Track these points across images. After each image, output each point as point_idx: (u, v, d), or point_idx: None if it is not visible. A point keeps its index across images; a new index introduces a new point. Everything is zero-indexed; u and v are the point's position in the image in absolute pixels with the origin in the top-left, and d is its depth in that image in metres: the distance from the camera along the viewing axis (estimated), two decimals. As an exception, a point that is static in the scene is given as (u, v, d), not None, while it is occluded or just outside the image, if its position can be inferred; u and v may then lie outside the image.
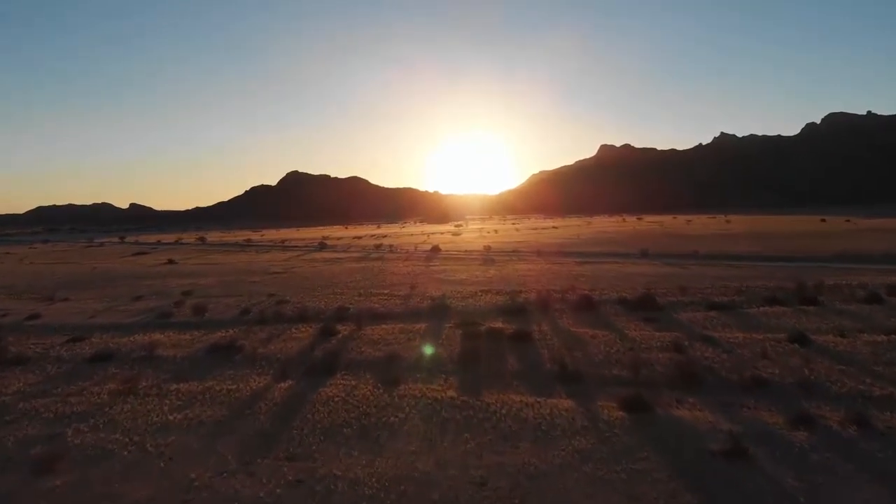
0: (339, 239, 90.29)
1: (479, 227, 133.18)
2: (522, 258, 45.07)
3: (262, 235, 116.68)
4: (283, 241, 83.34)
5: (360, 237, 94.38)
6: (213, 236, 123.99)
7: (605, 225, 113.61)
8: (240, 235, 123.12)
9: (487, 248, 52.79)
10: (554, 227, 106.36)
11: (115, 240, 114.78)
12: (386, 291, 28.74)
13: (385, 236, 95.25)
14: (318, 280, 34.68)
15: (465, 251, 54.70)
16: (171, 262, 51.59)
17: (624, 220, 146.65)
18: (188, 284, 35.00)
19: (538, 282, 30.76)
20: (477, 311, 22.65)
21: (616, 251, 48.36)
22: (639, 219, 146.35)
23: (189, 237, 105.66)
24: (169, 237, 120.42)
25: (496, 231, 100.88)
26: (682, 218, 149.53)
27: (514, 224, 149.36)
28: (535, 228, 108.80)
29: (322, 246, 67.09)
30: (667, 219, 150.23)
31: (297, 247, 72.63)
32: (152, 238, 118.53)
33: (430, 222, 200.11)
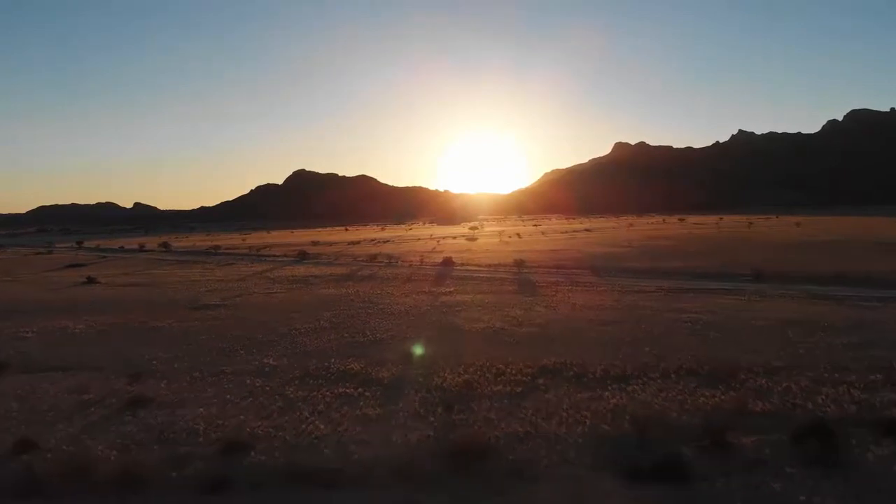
0: (330, 245, 76.31)
1: (497, 229, 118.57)
2: (575, 280, 31.13)
3: (243, 240, 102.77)
4: (260, 249, 69.40)
5: (356, 242, 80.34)
6: (192, 240, 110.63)
7: (647, 228, 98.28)
8: (224, 239, 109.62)
9: (519, 263, 38.84)
10: (587, 231, 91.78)
11: (73, 245, 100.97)
12: (358, 367, 14.93)
13: (387, 241, 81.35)
14: (257, 329, 21.00)
15: (489, 265, 40.82)
16: (90, 280, 38.20)
17: (664, 221, 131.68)
18: (51, 331, 21.63)
19: (636, 343, 16.90)
20: (562, 476, 9.00)
21: (702, 269, 34.33)
22: (680, 220, 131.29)
23: (153, 242, 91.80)
24: (149, 241, 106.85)
25: (518, 235, 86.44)
26: (730, 219, 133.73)
27: (535, 226, 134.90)
28: (565, 232, 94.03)
29: (302, 257, 53.33)
30: (709, 219, 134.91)
31: (273, 257, 58.93)
32: (125, 242, 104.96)
33: (440, 223, 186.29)
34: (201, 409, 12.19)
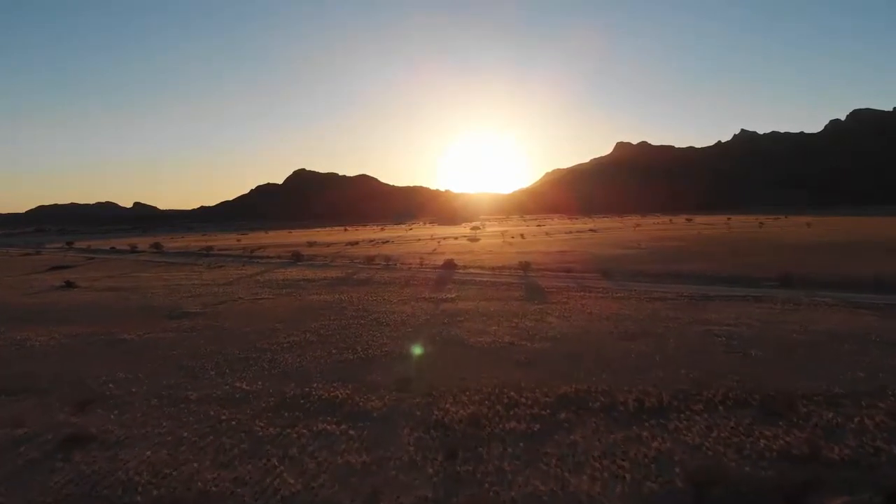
0: (328, 245, 74.02)
1: (500, 229, 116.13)
2: (586, 285, 28.86)
3: (238, 240, 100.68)
4: (254, 251, 66.97)
5: (355, 243, 78.00)
6: (186, 241, 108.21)
7: (654, 228, 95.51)
8: (219, 240, 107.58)
9: (525, 266, 36.60)
10: (592, 231, 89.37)
11: (63, 245, 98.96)
12: (344, 393, 12.70)
13: (386, 242, 79.05)
14: (235, 343, 18.79)
15: (492, 268, 38.54)
16: (68, 284, 35.94)
17: (671, 221, 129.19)
18: (8, 344, 19.50)
19: (668, 363, 14.68)
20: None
21: (721, 272, 32.03)
22: (688, 220, 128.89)
23: (146, 243, 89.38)
24: (143, 242, 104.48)
25: (522, 235, 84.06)
26: (738, 219, 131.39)
27: (539, 226, 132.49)
28: (570, 232, 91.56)
29: (296, 259, 51.09)
30: (717, 219, 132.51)
31: (267, 258, 56.64)
32: (119, 243, 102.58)
33: (441, 223, 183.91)
34: (149, 453, 9.96)
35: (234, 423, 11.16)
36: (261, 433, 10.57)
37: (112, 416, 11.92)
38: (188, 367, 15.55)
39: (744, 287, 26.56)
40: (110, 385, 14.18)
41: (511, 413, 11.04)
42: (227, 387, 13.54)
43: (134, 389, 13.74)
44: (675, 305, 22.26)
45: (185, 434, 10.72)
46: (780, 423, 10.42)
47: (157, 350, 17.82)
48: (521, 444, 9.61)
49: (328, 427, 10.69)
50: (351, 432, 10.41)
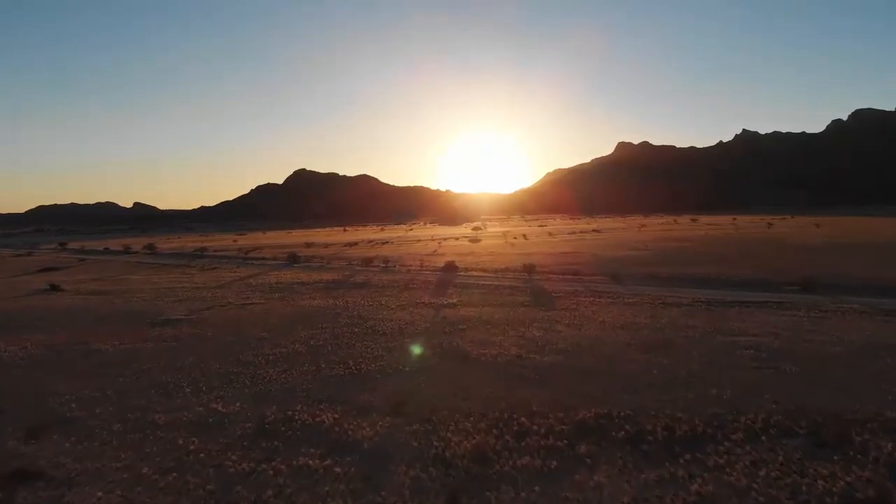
0: (326, 246, 72.54)
1: (501, 230, 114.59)
2: (595, 290, 27.39)
3: (235, 241, 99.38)
4: (249, 252, 65.37)
5: (353, 244, 76.51)
6: (182, 241, 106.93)
7: (659, 229, 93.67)
8: (216, 240, 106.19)
9: (529, 268, 35.09)
10: (596, 232, 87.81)
11: (57, 246, 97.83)
12: (331, 417, 11.29)
13: (386, 243, 77.56)
14: (217, 355, 17.34)
15: (495, 270, 37.07)
16: (53, 287, 34.48)
17: (675, 221, 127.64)
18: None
19: (695, 380, 13.28)
20: None
21: (736, 276, 30.50)
22: (693, 220, 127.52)
23: (141, 243, 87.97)
24: (137, 242, 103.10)
25: (524, 236, 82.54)
26: (744, 219, 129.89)
27: (541, 226, 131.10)
28: (573, 233, 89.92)
29: (293, 260, 49.65)
30: (722, 220, 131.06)
31: (263, 259, 55.16)
32: (113, 243, 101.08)
33: (441, 223, 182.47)
34: (100, 494, 8.49)
35: (202, 455, 9.67)
36: (232, 469, 9.09)
37: (67, 445, 10.44)
38: (162, 383, 14.08)
39: (762, 292, 25.07)
40: (73, 405, 12.69)
41: (522, 445, 9.56)
42: (202, 408, 12.05)
43: (98, 410, 12.26)
44: (692, 312, 20.77)
45: (146, 470, 9.24)
46: (835, 457, 8.94)
47: (132, 363, 16.33)
48: (537, 488, 8.13)
49: (310, 462, 9.20)
50: (336, 469, 8.92)
